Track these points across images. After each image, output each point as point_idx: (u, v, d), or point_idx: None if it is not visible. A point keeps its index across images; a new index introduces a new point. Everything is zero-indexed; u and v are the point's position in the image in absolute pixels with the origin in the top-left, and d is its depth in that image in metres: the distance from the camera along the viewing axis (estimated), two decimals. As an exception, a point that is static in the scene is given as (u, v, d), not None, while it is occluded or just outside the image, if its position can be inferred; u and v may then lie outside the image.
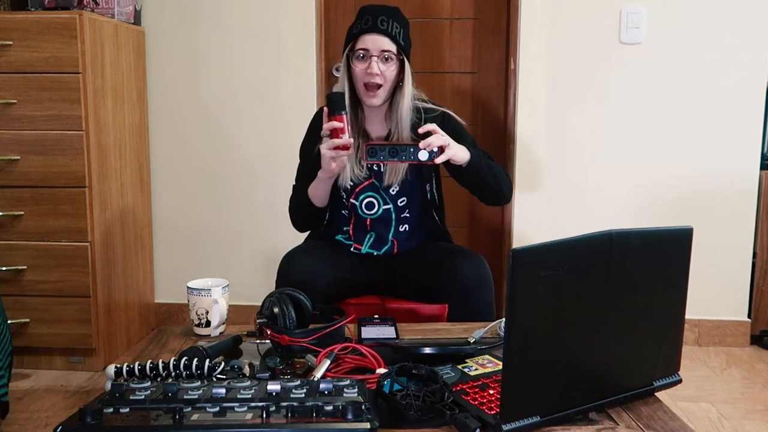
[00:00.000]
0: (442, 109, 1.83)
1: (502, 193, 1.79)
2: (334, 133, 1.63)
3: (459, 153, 1.64)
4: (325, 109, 1.65)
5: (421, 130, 1.61)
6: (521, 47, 2.57)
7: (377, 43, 1.69)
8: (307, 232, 1.94)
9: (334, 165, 1.64)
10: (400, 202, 1.82)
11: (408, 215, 1.84)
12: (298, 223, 1.87)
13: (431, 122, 1.78)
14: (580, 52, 2.57)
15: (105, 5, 2.46)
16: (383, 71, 1.70)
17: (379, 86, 1.71)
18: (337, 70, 2.74)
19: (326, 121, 1.64)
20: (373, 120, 1.82)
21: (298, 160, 1.89)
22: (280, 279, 1.71)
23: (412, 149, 1.59)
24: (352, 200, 1.82)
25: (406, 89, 1.75)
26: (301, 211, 1.83)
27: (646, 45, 2.54)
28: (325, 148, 1.64)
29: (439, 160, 1.60)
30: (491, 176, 1.73)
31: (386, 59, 1.70)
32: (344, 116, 1.63)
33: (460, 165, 1.66)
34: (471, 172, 1.69)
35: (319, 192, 1.75)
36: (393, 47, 1.70)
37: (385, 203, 1.82)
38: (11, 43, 2.20)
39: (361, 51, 1.70)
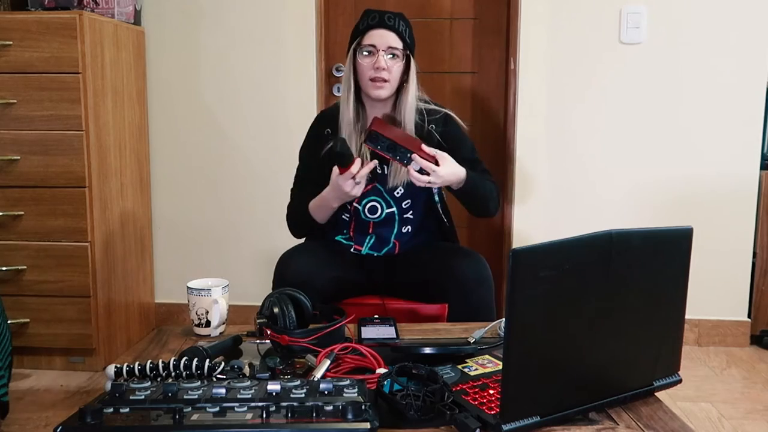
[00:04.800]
0: (444, 110, 1.82)
1: (488, 210, 1.81)
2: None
3: (449, 180, 1.64)
4: (337, 168, 1.61)
5: (429, 151, 1.61)
6: (521, 47, 2.57)
7: (385, 38, 1.68)
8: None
9: (357, 189, 1.63)
10: (405, 204, 1.81)
11: (411, 216, 1.83)
12: (297, 232, 1.87)
13: (433, 123, 1.78)
14: (580, 52, 2.57)
15: (105, 5, 2.46)
16: (390, 66, 1.69)
17: (386, 81, 1.70)
18: (338, 69, 2.74)
19: (341, 172, 1.60)
20: (375, 117, 1.82)
21: (298, 162, 1.89)
22: (277, 278, 1.71)
23: (409, 155, 1.58)
24: (355, 204, 1.80)
25: (411, 88, 1.74)
26: (301, 222, 1.82)
27: (646, 45, 2.54)
28: (349, 185, 1.61)
29: (419, 177, 1.59)
30: (481, 197, 1.76)
31: (393, 56, 1.70)
32: (357, 159, 1.61)
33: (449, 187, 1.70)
34: (460, 193, 1.72)
35: (323, 213, 1.76)
36: (399, 44, 1.70)
37: (389, 206, 1.81)
38: (11, 43, 2.20)
39: (369, 47, 1.69)
